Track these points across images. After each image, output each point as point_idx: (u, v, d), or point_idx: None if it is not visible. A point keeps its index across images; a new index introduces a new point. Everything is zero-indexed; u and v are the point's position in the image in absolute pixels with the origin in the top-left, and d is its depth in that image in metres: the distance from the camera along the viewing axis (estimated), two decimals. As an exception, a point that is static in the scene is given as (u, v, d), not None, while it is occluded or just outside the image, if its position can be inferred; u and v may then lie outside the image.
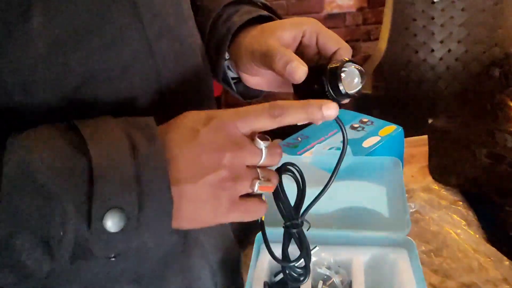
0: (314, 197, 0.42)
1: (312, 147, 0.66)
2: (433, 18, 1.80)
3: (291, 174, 0.42)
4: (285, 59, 0.37)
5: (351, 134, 0.69)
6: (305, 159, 0.63)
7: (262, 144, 0.35)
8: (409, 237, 0.50)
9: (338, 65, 0.35)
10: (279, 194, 0.41)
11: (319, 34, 0.40)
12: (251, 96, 0.51)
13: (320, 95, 0.36)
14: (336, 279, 0.48)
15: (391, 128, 0.70)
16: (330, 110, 0.34)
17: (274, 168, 0.40)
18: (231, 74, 0.48)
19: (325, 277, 0.49)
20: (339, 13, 2.07)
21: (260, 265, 0.51)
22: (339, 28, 2.07)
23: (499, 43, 1.74)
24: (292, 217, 0.42)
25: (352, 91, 0.36)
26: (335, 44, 0.40)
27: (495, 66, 0.92)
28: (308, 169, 0.61)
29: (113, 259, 0.33)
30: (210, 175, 0.33)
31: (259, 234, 0.52)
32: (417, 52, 1.82)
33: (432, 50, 1.81)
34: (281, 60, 0.37)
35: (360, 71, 0.36)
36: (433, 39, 1.81)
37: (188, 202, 0.33)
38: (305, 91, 0.38)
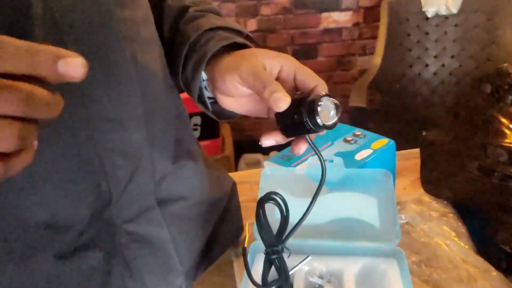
0: (297, 220, 0.45)
1: (306, 159, 0.67)
2: (427, 34, 1.84)
3: (274, 202, 0.44)
4: (272, 88, 0.40)
5: (344, 147, 0.71)
6: (299, 171, 0.64)
7: None
8: (399, 247, 0.52)
9: (315, 98, 0.40)
10: (261, 222, 0.44)
11: (297, 71, 0.44)
12: (226, 116, 0.53)
13: (299, 125, 0.41)
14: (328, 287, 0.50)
15: (383, 141, 0.72)
16: (69, 65, 0.25)
17: None
18: (207, 93, 0.51)
19: (317, 286, 0.50)
20: (335, 28, 2.11)
21: (255, 273, 0.52)
22: (335, 42, 2.11)
23: (492, 58, 1.77)
24: (273, 244, 0.45)
25: (328, 123, 0.40)
26: (313, 81, 0.43)
27: (486, 82, 0.94)
28: (302, 181, 0.63)
29: None
30: None
31: (254, 244, 0.54)
32: (412, 67, 1.86)
33: (426, 65, 1.85)
34: (268, 88, 0.40)
35: (336, 104, 0.41)
36: (427, 54, 1.85)
37: None
38: (286, 120, 0.42)
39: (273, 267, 0.46)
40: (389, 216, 0.56)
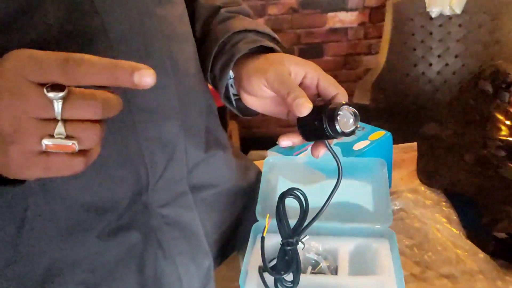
0: (312, 217, 0.48)
1: (306, 149, 0.72)
2: (431, 34, 1.87)
3: (295, 197, 0.47)
4: (295, 94, 0.43)
5: (343, 138, 0.75)
6: (300, 160, 0.68)
7: (52, 95, 0.29)
8: (390, 229, 0.56)
9: (336, 107, 0.42)
10: (280, 215, 0.48)
11: (320, 79, 0.47)
12: (248, 113, 0.57)
13: (319, 130, 0.43)
14: (324, 264, 0.54)
15: (380, 133, 0.76)
16: (143, 77, 0.30)
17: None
18: (232, 91, 0.55)
19: (313, 262, 0.54)
20: (341, 28, 2.14)
21: (255, 254, 0.56)
22: (341, 42, 2.14)
23: (495, 58, 1.80)
24: (289, 236, 0.48)
25: (346, 130, 0.43)
26: (334, 89, 0.46)
27: (485, 79, 0.97)
28: (303, 169, 0.67)
29: None
30: None
31: (255, 225, 0.58)
32: (416, 66, 1.88)
33: (430, 64, 1.88)
34: (293, 93, 0.43)
35: (354, 113, 0.43)
36: (431, 54, 1.87)
37: None
38: (306, 124, 0.45)
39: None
40: (382, 201, 0.60)
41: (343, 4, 2.08)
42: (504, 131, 0.83)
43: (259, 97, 0.51)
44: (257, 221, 0.59)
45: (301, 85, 0.48)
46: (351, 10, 2.10)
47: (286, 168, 0.67)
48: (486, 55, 1.83)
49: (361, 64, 2.21)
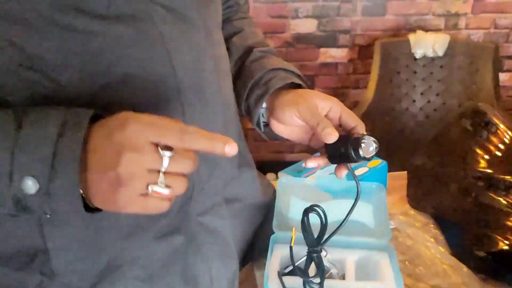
0: (333, 230, 0.57)
1: (314, 172, 0.81)
2: (415, 73, 2.01)
3: (316, 213, 0.56)
4: (324, 124, 0.53)
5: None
6: (309, 182, 0.77)
7: (164, 154, 0.39)
8: (390, 243, 0.65)
9: (360, 136, 0.52)
10: (305, 227, 0.56)
11: (342, 112, 0.57)
12: (273, 138, 0.67)
13: (344, 155, 0.53)
14: (334, 271, 0.62)
15: (377, 162, 0.86)
16: (231, 149, 0.41)
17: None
18: (262, 119, 0.65)
19: (325, 268, 0.63)
20: (332, 63, 2.26)
21: (273, 260, 0.64)
22: (331, 75, 2.27)
23: (473, 98, 1.95)
24: (314, 245, 0.56)
25: (368, 156, 0.52)
26: (354, 121, 0.56)
27: (466, 118, 1.09)
28: (311, 189, 0.76)
29: (48, 216, 0.41)
30: (109, 172, 0.38)
31: (273, 236, 0.66)
32: (400, 102, 2.02)
33: (414, 101, 2.02)
34: (322, 124, 0.53)
35: (375, 142, 0.52)
36: (415, 91, 2.01)
37: (92, 188, 0.40)
38: (333, 150, 0.55)
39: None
40: (381, 219, 0.69)
41: (334, 41, 2.21)
42: (483, 164, 0.94)
43: (288, 125, 0.60)
44: (272, 234, 0.67)
45: (326, 117, 0.57)
46: (342, 47, 2.23)
47: (297, 188, 0.76)
48: (465, 95, 1.98)
49: (349, 97, 2.32)
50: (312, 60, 2.23)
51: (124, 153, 0.38)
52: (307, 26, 2.16)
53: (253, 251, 0.71)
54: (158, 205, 0.41)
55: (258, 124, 0.65)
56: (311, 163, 0.58)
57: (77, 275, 0.51)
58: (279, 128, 0.62)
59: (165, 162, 0.39)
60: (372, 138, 0.52)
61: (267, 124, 0.65)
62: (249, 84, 0.63)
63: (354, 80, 2.31)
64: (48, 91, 0.44)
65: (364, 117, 1.94)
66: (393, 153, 1.74)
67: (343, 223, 0.57)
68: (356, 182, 0.56)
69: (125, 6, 0.45)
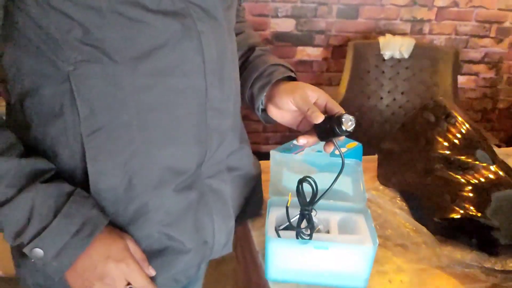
0: (321, 194, 0.69)
1: (302, 150, 0.94)
2: (383, 72, 2.16)
3: (308, 182, 0.68)
4: (313, 109, 0.67)
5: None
6: (298, 157, 0.91)
7: None
8: (366, 207, 0.79)
9: (340, 115, 0.65)
10: (299, 192, 0.69)
11: (327, 101, 0.71)
12: (268, 122, 0.80)
13: (329, 131, 0.66)
14: (321, 227, 0.76)
15: (354, 144, 1.00)
16: None
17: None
18: (261, 106, 0.77)
19: (314, 223, 0.75)
20: (307, 61, 2.37)
21: (271, 219, 0.77)
22: (307, 72, 2.40)
23: (434, 97, 2.12)
24: (306, 206, 0.69)
25: (349, 129, 0.66)
26: (337, 108, 0.70)
27: (428, 111, 1.22)
28: (300, 164, 0.89)
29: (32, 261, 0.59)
30: (88, 280, 0.58)
31: (269, 200, 0.79)
32: (369, 98, 2.17)
33: (381, 98, 2.17)
34: (311, 109, 0.67)
35: (353, 118, 0.66)
36: (382, 89, 2.16)
37: (71, 277, 0.59)
38: (321, 128, 0.68)
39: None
40: (358, 188, 0.83)
41: (311, 41, 2.34)
42: (443, 149, 1.09)
43: (283, 110, 0.73)
44: (261, 202, 0.79)
45: (314, 104, 0.71)
46: (317, 46, 2.36)
47: (287, 162, 0.89)
48: (427, 94, 2.14)
49: (322, 94, 2.47)
50: (289, 58, 2.34)
51: (105, 279, 0.57)
52: (286, 25, 2.28)
53: (244, 215, 0.83)
54: None
55: (257, 109, 0.78)
56: (302, 140, 0.72)
57: (111, 218, 0.62)
58: (274, 113, 0.75)
59: None
60: (351, 116, 0.66)
61: (264, 110, 0.78)
62: (254, 75, 0.76)
63: (328, 78, 2.44)
64: (104, 66, 0.55)
65: (336, 112, 2.08)
66: (363, 144, 1.90)
67: (331, 187, 0.70)
68: (340, 154, 0.69)
69: (171, 4, 0.56)
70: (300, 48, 2.34)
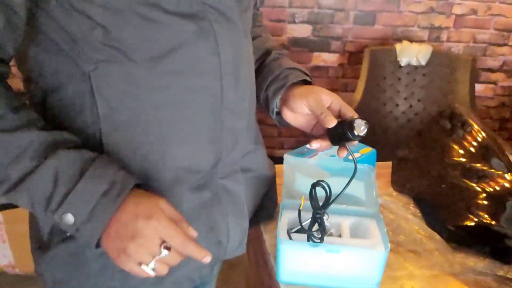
0: (333, 198, 0.70)
1: (316, 155, 0.95)
2: (399, 79, 2.15)
3: (322, 186, 0.69)
4: (326, 113, 0.67)
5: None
6: (311, 161, 0.91)
7: (164, 251, 0.55)
8: (378, 212, 0.79)
9: (353, 119, 0.66)
10: (312, 196, 0.70)
11: (342, 105, 0.71)
12: (282, 124, 0.81)
13: (342, 136, 0.67)
14: (333, 231, 0.76)
15: (368, 149, 1.00)
16: (206, 260, 0.57)
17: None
18: (275, 109, 0.78)
19: (326, 227, 0.76)
20: (323, 66, 2.38)
21: (283, 221, 0.78)
22: (322, 78, 2.40)
23: (451, 104, 2.10)
24: (319, 209, 0.70)
25: (361, 133, 0.66)
26: (350, 112, 0.70)
27: (445, 118, 1.22)
28: (312, 168, 0.90)
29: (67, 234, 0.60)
30: (121, 241, 0.54)
31: (282, 202, 0.79)
32: (385, 105, 2.16)
33: (397, 105, 2.16)
34: (324, 113, 0.67)
35: (365, 123, 0.66)
36: (398, 96, 2.15)
37: (106, 241, 0.56)
38: (334, 133, 0.68)
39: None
40: (371, 192, 0.84)
41: (327, 46, 2.35)
42: (458, 157, 1.09)
43: (297, 113, 0.74)
44: (276, 204, 0.80)
45: (328, 108, 0.71)
46: (333, 52, 2.36)
47: (300, 166, 0.89)
48: (444, 101, 2.12)
49: (338, 99, 2.47)
50: (305, 63, 2.35)
51: (138, 238, 0.54)
52: (302, 31, 2.29)
53: (258, 217, 0.84)
54: (142, 275, 0.56)
55: (272, 112, 0.79)
56: (315, 144, 0.72)
57: None
58: (288, 116, 0.76)
59: (162, 255, 0.55)
60: (363, 121, 0.66)
61: (278, 113, 0.79)
62: (269, 78, 0.77)
63: (343, 84, 2.44)
64: (123, 66, 0.57)
65: (352, 118, 2.07)
66: (378, 150, 1.89)
67: (343, 191, 0.71)
68: (353, 159, 0.70)
69: (189, 6, 0.58)
70: (316, 54, 2.35)
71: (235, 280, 1.70)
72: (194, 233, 0.59)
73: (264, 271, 0.86)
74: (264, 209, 0.85)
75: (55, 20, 0.54)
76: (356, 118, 0.66)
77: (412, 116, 2.16)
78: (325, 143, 0.72)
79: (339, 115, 0.72)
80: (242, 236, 0.76)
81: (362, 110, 2.12)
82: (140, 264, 0.55)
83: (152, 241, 0.54)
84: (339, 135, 0.68)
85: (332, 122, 0.67)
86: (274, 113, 0.79)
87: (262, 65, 0.80)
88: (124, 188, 0.55)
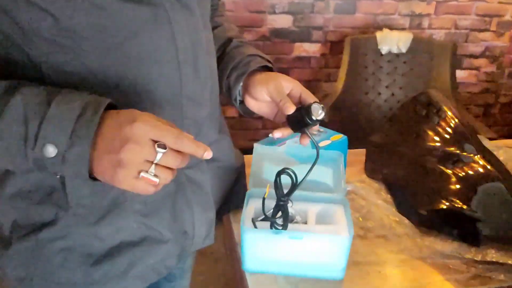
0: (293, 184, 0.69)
1: (285, 143, 0.94)
2: (381, 67, 2.16)
3: (287, 174, 0.69)
4: (285, 99, 0.67)
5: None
6: (280, 149, 0.90)
7: (159, 150, 0.50)
8: (345, 198, 0.78)
9: (310, 104, 0.66)
10: (277, 184, 0.69)
11: (302, 91, 0.71)
12: (247, 113, 0.80)
13: (301, 121, 0.66)
14: (298, 218, 0.76)
15: (339, 136, 1.00)
16: (208, 154, 0.53)
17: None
18: (238, 97, 0.77)
19: (291, 215, 0.76)
20: (305, 57, 2.38)
21: (249, 210, 0.77)
22: (305, 68, 2.40)
23: (424, 90, 2.10)
24: (283, 197, 0.69)
25: (318, 117, 0.66)
26: (311, 98, 0.70)
27: (420, 105, 1.22)
28: (281, 156, 0.89)
29: (57, 176, 0.55)
30: (112, 155, 0.49)
31: (248, 192, 0.79)
32: (367, 94, 2.16)
33: (379, 93, 2.16)
34: (283, 99, 0.67)
35: (322, 107, 0.66)
36: (380, 84, 2.16)
37: (96, 164, 0.51)
38: (293, 119, 0.68)
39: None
40: (338, 179, 0.83)
41: (308, 37, 2.34)
42: (433, 143, 1.09)
43: (259, 101, 0.73)
44: (244, 194, 0.79)
45: (288, 95, 0.71)
46: (315, 42, 2.36)
47: (269, 154, 0.89)
48: (425, 88, 2.12)
49: (321, 90, 2.46)
50: (287, 54, 2.34)
51: (128, 144, 0.49)
52: (283, 21, 2.28)
53: (226, 206, 0.84)
54: (145, 188, 0.51)
55: (235, 100, 0.78)
56: (277, 134, 0.72)
57: (88, 208, 0.62)
58: (251, 103, 0.75)
59: (158, 156, 0.50)
60: (320, 105, 0.66)
61: (242, 102, 0.78)
62: (230, 66, 0.76)
63: (326, 74, 2.44)
64: (75, 56, 0.56)
65: (334, 108, 2.08)
66: (361, 139, 1.89)
67: (305, 178, 0.70)
68: (315, 144, 0.69)
69: None
70: (297, 44, 2.34)
71: (221, 273, 1.70)
72: (187, 134, 0.53)
73: (235, 261, 0.86)
74: (233, 199, 0.85)
75: (3, 10, 0.53)
76: (313, 103, 0.66)
77: (394, 104, 2.17)
78: (287, 131, 0.72)
79: (300, 102, 0.71)
80: (209, 226, 0.75)
81: (344, 100, 2.12)
82: (139, 173, 0.50)
83: (144, 143, 0.49)
84: (299, 121, 0.67)
85: (290, 109, 0.66)
86: (238, 101, 0.78)
87: (224, 53, 0.79)
88: (99, 106, 0.51)
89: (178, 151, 0.52)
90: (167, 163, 0.51)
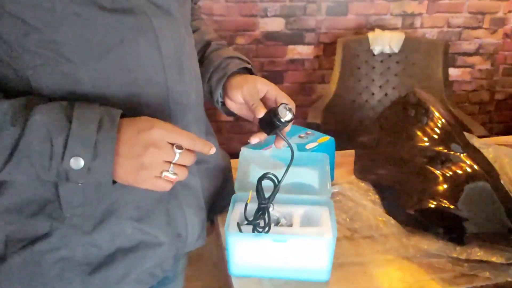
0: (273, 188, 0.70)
1: (271, 147, 0.95)
2: (374, 68, 2.16)
3: (270, 179, 0.70)
4: (256, 103, 0.69)
5: (298, 140, 0.98)
6: (266, 153, 0.91)
7: (177, 151, 0.56)
8: (330, 200, 0.79)
9: (277, 107, 0.67)
10: (259, 189, 0.70)
11: (277, 94, 0.72)
12: (229, 114, 0.81)
13: (271, 123, 0.68)
14: (283, 220, 0.76)
15: (326, 138, 1.00)
16: (212, 151, 0.60)
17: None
18: (220, 99, 0.78)
19: (276, 218, 0.76)
20: (299, 59, 2.39)
21: (234, 214, 0.77)
22: (298, 71, 2.40)
23: (426, 91, 2.11)
24: (264, 201, 0.70)
25: (286, 119, 0.67)
26: (286, 101, 0.71)
27: (410, 105, 1.22)
28: (267, 159, 0.90)
29: (80, 184, 0.57)
30: (135, 159, 0.54)
31: (234, 196, 0.79)
32: (361, 94, 2.17)
33: (373, 94, 2.17)
34: (255, 103, 0.69)
35: (289, 109, 0.67)
36: (374, 85, 2.16)
37: (120, 169, 0.55)
38: (264, 122, 0.70)
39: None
40: (324, 181, 0.83)
41: (301, 39, 2.35)
42: (421, 143, 1.09)
43: (237, 103, 0.74)
44: (233, 193, 0.80)
45: (264, 97, 0.72)
46: (308, 44, 2.37)
47: (256, 158, 0.89)
48: (419, 88, 2.13)
49: (316, 91, 2.46)
50: (280, 57, 2.35)
51: (149, 148, 0.54)
52: (275, 24, 2.29)
53: (215, 207, 0.84)
54: (165, 186, 0.57)
55: (217, 102, 0.79)
56: (253, 140, 0.73)
57: (82, 217, 0.63)
58: (231, 105, 0.76)
59: (177, 156, 0.56)
60: (288, 106, 0.67)
61: (223, 103, 0.78)
62: (211, 69, 0.77)
63: (320, 75, 2.44)
64: (62, 67, 0.56)
65: (328, 109, 2.09)
66: (354, 139, 1.89)
67: (282, 180, 0.70)
68: (289, 146, 0.70)
69: (125, 2, 0.58)
70: (291, 46, 2.35)
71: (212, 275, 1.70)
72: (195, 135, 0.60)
73: (222, 265, 0.86)
74: (221, 200, 0.86)
75: None
76: (281, 104, 0.67)
77: (388, 104, 2.16)
78: (263, 136, 0.73)
79: (276, 104, 0.72)
80: (201, 227, 0.76)
81: (338, 101, 2.13)
82: (161, 173, 0.56)
83: (163, 147, 0.55)
84: (269, 124, 0.69)
85: (260, 112, 0.68)
86: (219, 103, 0.79)
87: (203, 57, 0.80)
88: (113, 118, 0.55)
89: (190, 150, 0.58)
90: (184, 161, 0.58)
